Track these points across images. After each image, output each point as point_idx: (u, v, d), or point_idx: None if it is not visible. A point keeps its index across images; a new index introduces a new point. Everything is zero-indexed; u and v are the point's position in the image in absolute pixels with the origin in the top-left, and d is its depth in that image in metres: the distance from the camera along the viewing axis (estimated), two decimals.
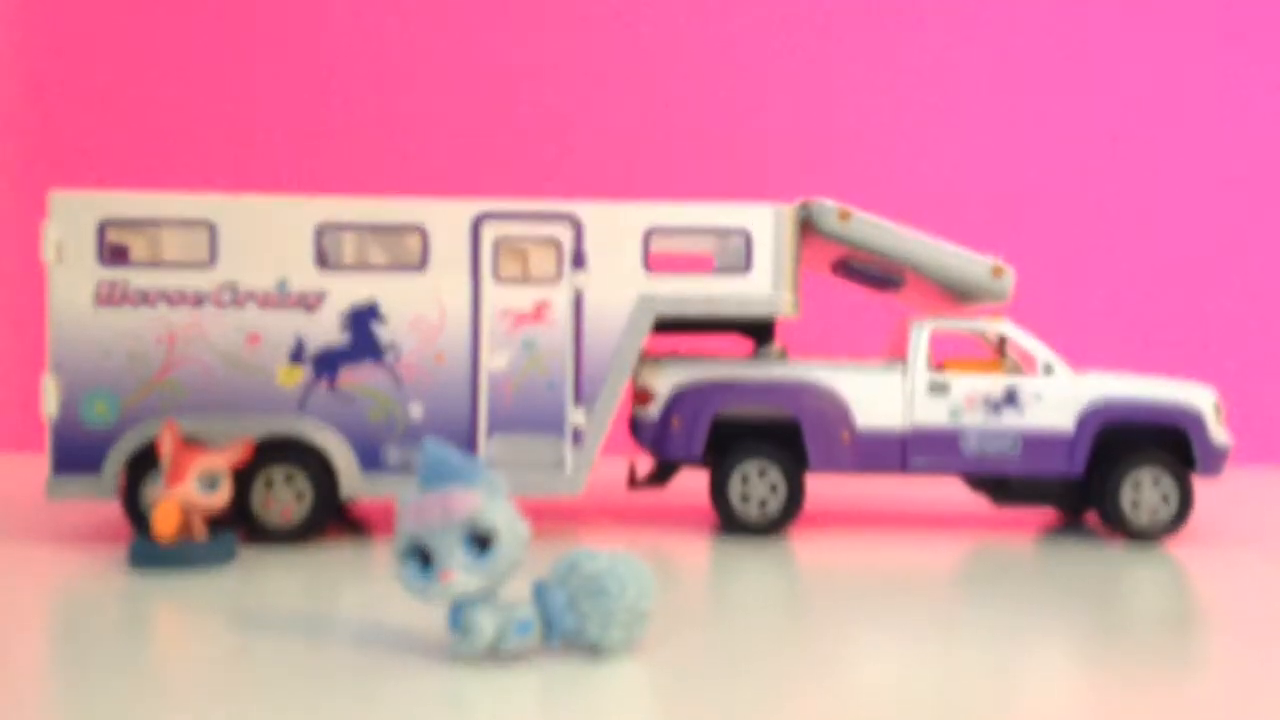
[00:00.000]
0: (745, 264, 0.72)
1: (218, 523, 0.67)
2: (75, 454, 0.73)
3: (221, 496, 0.61)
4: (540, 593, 0.41)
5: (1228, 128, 1.47)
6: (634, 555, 0.41)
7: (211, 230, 0.73)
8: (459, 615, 0.40)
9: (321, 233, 0.70)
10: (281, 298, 0.73)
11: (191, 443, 0.69)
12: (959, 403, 1.11)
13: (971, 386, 1.08)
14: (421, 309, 0.69)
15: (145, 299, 0.74)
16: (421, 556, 0.39)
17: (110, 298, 0.73)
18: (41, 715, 0.33)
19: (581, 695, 0.34)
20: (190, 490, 0.60)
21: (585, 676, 0.36)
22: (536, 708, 0.34)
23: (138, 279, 0.73)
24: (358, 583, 0.57)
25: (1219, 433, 1.00)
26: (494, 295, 0.71)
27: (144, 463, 0.69)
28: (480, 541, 0.38)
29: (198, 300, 0.72)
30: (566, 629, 0.40)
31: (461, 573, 0.37)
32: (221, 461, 0.61)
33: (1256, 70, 1.53)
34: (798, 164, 1.41)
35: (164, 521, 0.62)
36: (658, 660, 0.38)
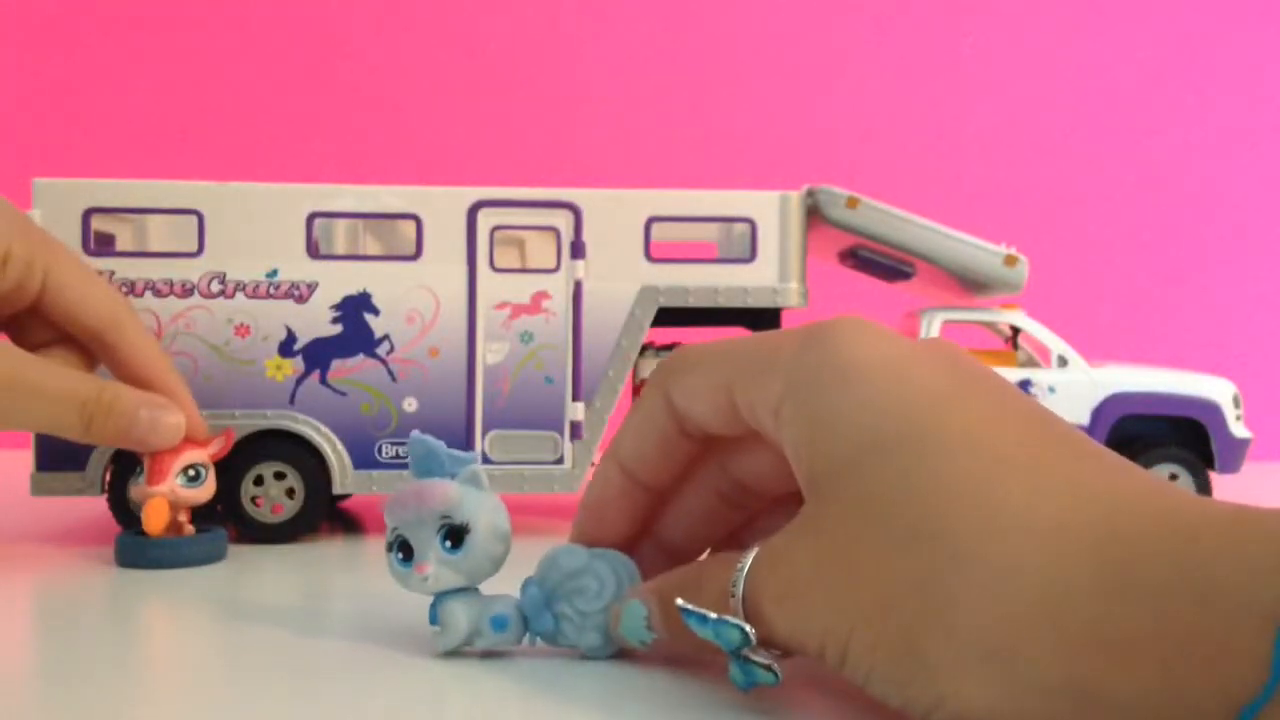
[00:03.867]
0: (750, 253, 0.69)
1: (208, 519, 0.65)
2: (60, 449, 0.71)
3: (206, 490, 0.59)
4: (523, 589, 0.40)
5: (1252, 114, 1.44)
6: (618, 553, 0.39)
7: (199, 218, 0.71)
8: (436, 609, 0.39)
9: (313, 221, 0.68)
10: (271, 288, 0.70)
11: None
12: None
13: None
14: (415, 300, 0.66)
15: (132, 289, 0.71)
16: (405, 547, 0.38)
17: None
18: (30, 710, 0.32)
19: (561, 694, 0.33)
20: (174, 486, 0.58)
21: (568, 675, 0.35)
22: (525, 706, 0.33)
23: (124, 269, 0.71)
24: (351, 579, 0.56)
25: (1238, 427, 0.98)
26: (490, 286, 0.69)
27: (130, 458, 0.67)
28: (456, 535, 0.36)
29: (185, 291, 0.70)
30: (543, 628, 0.38)
31: (435, 565, 0.36)
32: (202, 454, 0.59)
33: None
34: (804, 149, 1.38)
35: (154, 517, 0.61)
36: (644, 660, 0.36)
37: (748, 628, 0.32)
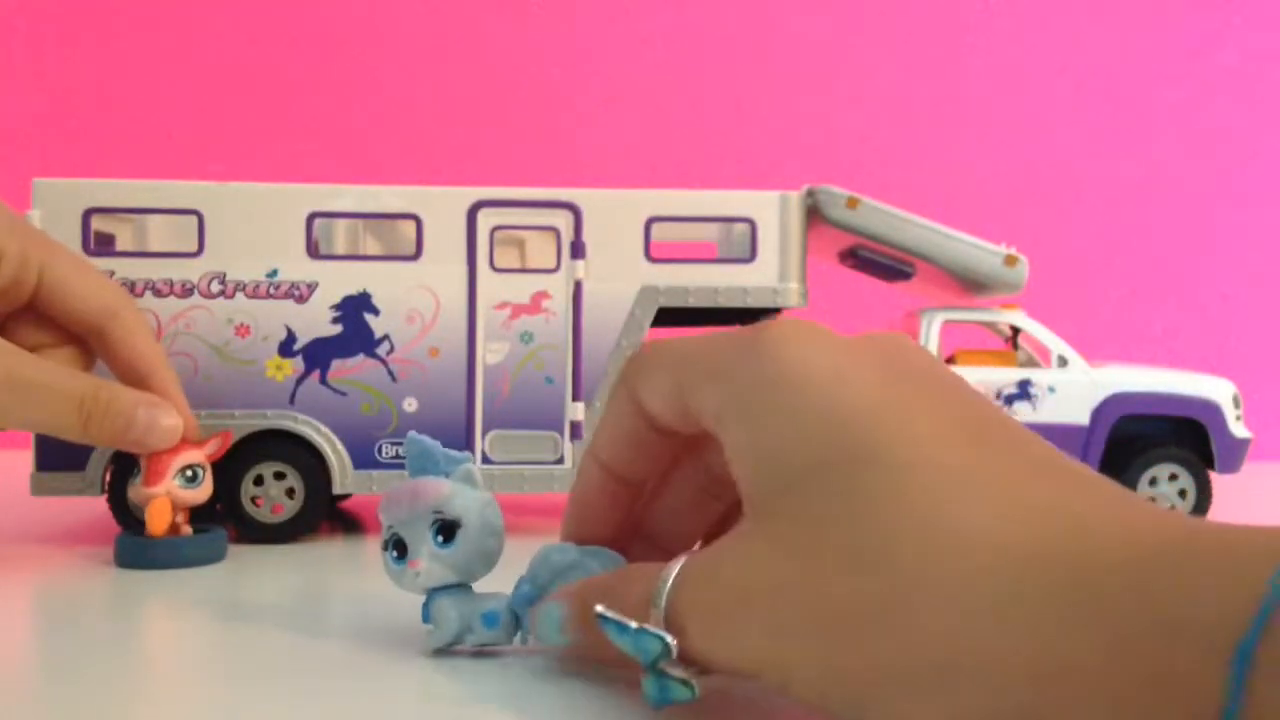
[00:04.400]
0: (750, 253, 0.69)
1: (208, 519, 0.65)
2: (60, 449, 0.70)
3: (204, 490, 0.58)
4: (516, 587, 0.40)
5: (1252, 114, 1.44)
6: (609, 550, 0.38)
7: (199, 218, 0.71)
8: (428, 607, 0.39)
9: (313, 221, 0.68)
10: (271, 288, 0.70)
11: None
12: None
13: (983, 379, 1.06)
14: (415, 300, 0.66)
15: (132, 289, 0.71)
16: (400, 545, 0.38)
17: None
18: (31, 710, 0.32)
19: (557, 695, 0.33)
20: (171, 487, 0.58)
21: (563, 675, 0.35)
22: (523, 706, 0.33)
23: (124, 268, 0.71)
24: (350, 579, 0.56)
25: (1238, 427, 0.97)
26: (490, 286, 0.69)
27: (130, 459, 0.67)
28: (448, 529, 0.36)
29: (185, 291, 0.70)
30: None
31: (427, 560, 0.36)
32: (199, 455, 0.58)
33: None
34: (804, 149, 1.38)
35: (157, 517, 0.61)
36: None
37: (669, 639, 0.31)
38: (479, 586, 0.42)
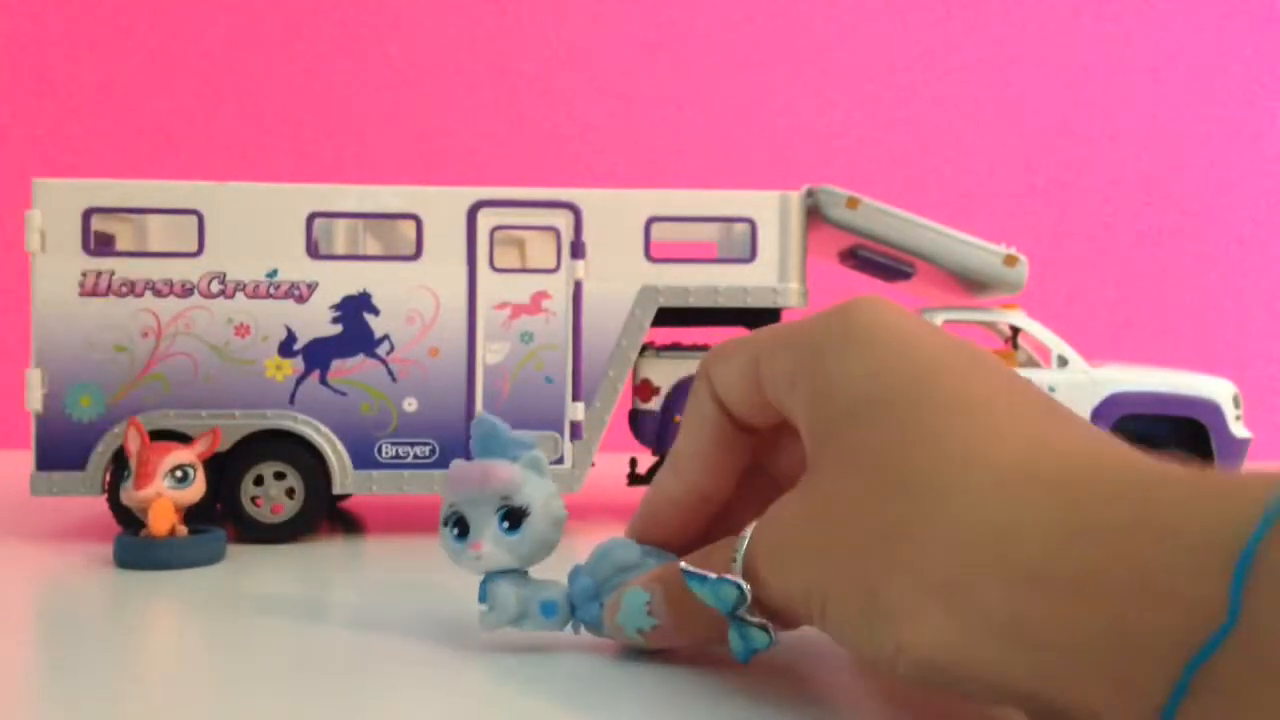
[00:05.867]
0: (750, 253, 0.69)
1: (208, 520, 0.64)
2: (60, 449, 0.70)
3: (195, 490, 0.58)
4: (572, 578, 0.40)
5: (1252, 114, 1.44)
6: (671, 554, 0.38)
7: (199, 218, 0.71)
8: (485, 587, 0.39)
9: (313, 221, 0.68)
10: (271, 288, 0.70)
11: (159, 439, 0.65)
12: None
13: None
14: (415, 300, 0.66)
15: (132, 289, 0.71)
16: (462, 524, 0.38)
17: (96, 288, 0.70)
18: (31, 710, 0.32)
19: (558, 695, 0.33)
20: (161, 488, 0.58)
21: (566, 676, 0.34)
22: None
23: (124, 268, 0.70)
24: (350, 579, 0.56)
25: (1238, 427, 0.97)
26: (490, 286, 0.68)
27: (125, 460, 0.67)
28: (515, 517, 0.37)
29: (185, 291, 0.70)
30: (589, 617, 0.38)
31: (490, 545, 0.36)
32: (189, 455, 0.58)
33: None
34: (803, 149, 1.38)
35: (160, 518, 0.61)
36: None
37: (744, 585, 0.33)
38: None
